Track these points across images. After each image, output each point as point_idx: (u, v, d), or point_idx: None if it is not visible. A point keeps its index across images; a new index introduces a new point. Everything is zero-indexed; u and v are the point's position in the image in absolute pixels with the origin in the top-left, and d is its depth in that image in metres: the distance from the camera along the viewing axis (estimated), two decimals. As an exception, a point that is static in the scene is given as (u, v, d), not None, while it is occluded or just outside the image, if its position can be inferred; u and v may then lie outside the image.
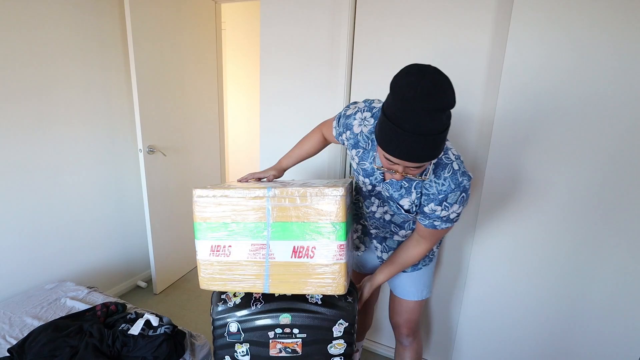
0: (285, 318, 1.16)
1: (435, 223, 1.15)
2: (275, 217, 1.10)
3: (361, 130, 1.19)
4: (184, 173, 2.81)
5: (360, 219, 1.46)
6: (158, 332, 1.50)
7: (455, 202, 1.09)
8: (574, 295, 1.59)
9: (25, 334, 1.52)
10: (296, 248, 1.11)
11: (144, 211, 2.57)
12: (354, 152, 1.24)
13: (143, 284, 2.76)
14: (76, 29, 2.13)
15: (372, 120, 1.17)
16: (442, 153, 1.07)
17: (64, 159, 2.17)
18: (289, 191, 1.08)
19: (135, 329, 1.49)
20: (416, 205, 1.16)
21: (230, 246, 1.13)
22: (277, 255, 1.12)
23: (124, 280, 2.69)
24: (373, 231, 1.43)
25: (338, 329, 1.18)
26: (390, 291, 1.55)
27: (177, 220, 2.78)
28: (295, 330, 1.17)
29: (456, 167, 1.08)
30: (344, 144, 1.30)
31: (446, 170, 1.07)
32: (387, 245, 1.43)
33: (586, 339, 1.61)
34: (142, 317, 1.57)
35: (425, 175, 1.05)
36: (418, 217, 1.19)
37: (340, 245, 1.09)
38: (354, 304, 1.20)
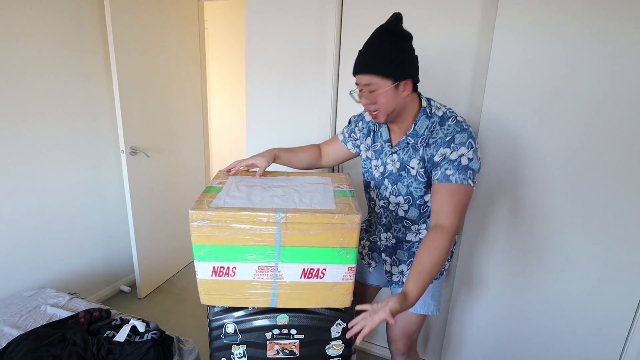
0: (282, 319, 1.13)
1: (448, 172, 1.11)
2: (285, 242, 1.04)
3: (370, 119, 1.35)
4: (168, 174, 2.74)
5: (370, 224, 1.43)
6: (145, 338, 1.44)
7: (463, 144, 1.10)
8: (562, 295, 1.61)
9: (4, 344, 1.44)
10: (306, 270, 1.07)
11: (127, 213, 2.49)
12: (368, 140, 1.36)
13: (127, 289, 2.68)
14: (55, 27, 2.04)
15: None
16: (446, 111, 1.18)
17: (41, 160, 2.07)
18: (300, 217, 1.01)
19: (121, 336, 1.43)
20: (425, 161, 1.18)
21: (235, 268, 1.07)
22: (286, 276, 1.08)
23: (106, 285, 2.60)
24: (383, 238, 1.39)
25: (336, 330, 1.16)
26: None
27: (161, 222, 2.71)
28: (293, 331, 1.14)
29: (460, 119, 1.15)
30: (350, 145, 1.44)
31: (450, 119, 1.15)
32: (397, 258, 1.38)
33: (575, 339, 1.63)
34: (127, 323, 1.51)
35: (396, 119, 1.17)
36: (432, 176, 1.17)
37: (351, 267, 1.08)
38: (352, 306, 1.17)
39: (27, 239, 2.06)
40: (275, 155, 1.41)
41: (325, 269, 1.07)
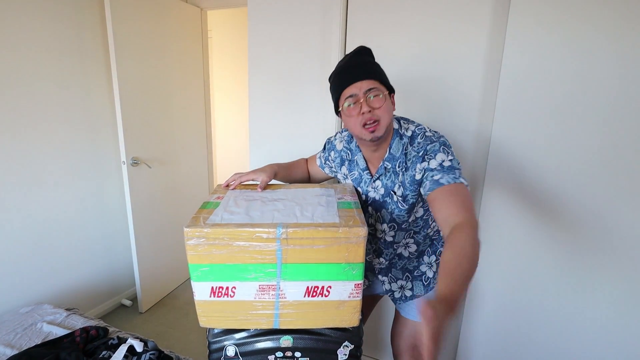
0: (286, 340, 1.06)
1: (435, 177, 1.04)
2: (286, 259, 0.97)
3: (342, 147, 1.32)
4: (170, 185, 2.69)
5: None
6: (142, 358, 1.38)
7: (438, 152, 1.07)
8: (573, 307, 1.53)
9: (-4, 365, 1.38)
10: (310, 288, 1.00)
11: (128, 226, 2.44)
12: (343, 169, 1.33)
13: (128, 303, 2.62)
14: (56, 37, 2.02)
15: (345, 136, 1.32)
16: (415, 129, 1.15)
17: (41, 171, 2.03)
18: (302, 232, 0.95)
19: (118, 357, 1.36)
20: (406, 187, 1.14)
21: (234, 288, 1.00)
22: (289, 295, 1.01)
23: (107, 299, 2.54)
24: (375, 262, 1.33)
25: (343, 352, 1.08)
26: (396, 311, 1.43)
27: (163, 234, 2.65)
28: (297, 354, 1.07)
29: (429, 134, 1.13)
30: (327, 170, 1.41)
31: (419, 137, 1.13)
32: (393, 276, 1.32)
33: (587, 350, 1.54)
34: (125, 342, 1.44)
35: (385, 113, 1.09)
36: (422, 191, 1.10)
37: (357, 284, 1.00)
38: (360, 325, 1.10)
39: (26, 251, 2.01)
40: (275, 171, 1.35)
41: (330, 287, 1.00)
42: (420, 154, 1.10)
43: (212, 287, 1.00)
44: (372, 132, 1.08)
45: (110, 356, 1.38)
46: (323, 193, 1.22)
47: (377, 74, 1.10)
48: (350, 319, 1.05)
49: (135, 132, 2.32)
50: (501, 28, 1.46)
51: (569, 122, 1.40)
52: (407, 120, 1.20)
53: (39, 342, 1.54)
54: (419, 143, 1.12)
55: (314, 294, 1.01)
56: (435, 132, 1.14)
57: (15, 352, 1.47)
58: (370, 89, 1.07)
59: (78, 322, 1.71)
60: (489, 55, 1.51)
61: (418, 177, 1.10)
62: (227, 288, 1.00)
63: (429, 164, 1.07)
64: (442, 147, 1.08)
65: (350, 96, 1.09)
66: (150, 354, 1.39)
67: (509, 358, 1.72)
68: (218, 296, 1.00)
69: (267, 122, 2.03)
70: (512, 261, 1.62)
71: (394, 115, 1.19)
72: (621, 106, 1.32)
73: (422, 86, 1.65)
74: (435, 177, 1.04)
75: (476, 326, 1.76)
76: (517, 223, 1.57)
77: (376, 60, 1.17)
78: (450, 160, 1.07)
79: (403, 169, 1.14)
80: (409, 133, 1.15)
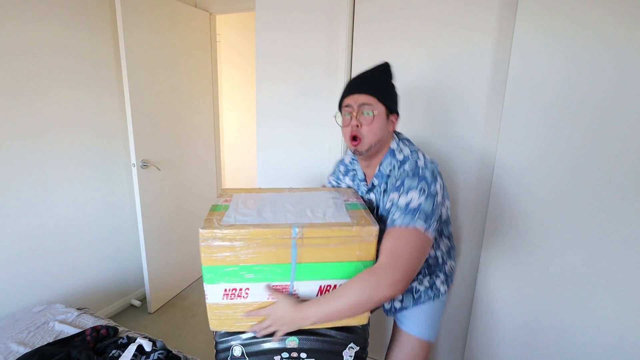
0: (292, 341, 1.07)
1: (394, 216, 1.02)
2: (301, 259, 0.99)
3: (349, 159, 1.38)
4: (179, 187, 2.73)
5: None
6: (151, 358, 1.40)
7: (413, 189, 1.02)
8: (582, 308, 1.52)
9: (9, 363, 1.42)
10: (323, 287, 1.02)
11: (137, 227, 2.47)
12: (347, 178, 1.38)
13: (137, 303, 2.65)
14: (67, 40, 2.06)
15: (349, 153, 1.37)
16: (408, 154, 1.13)
17: (53, 173, 2.08)
18: (318, 232, 0.96)
19: (127, 356, 1.39)
20: (382, 207, 1.14)
21: (248, 289, 1.01)
22: (302, 294, 1.03)
23: (117, 299, 2.58)
24: None
25: (348, 354, 1.09)
26: (393, 324, 1.38)
27: (172, 235, 2.68)
28: (303, 355, 1.08)
29: (420, 164, 1.08)
30: (333, 184, 1.45)
31: (407, 164, 1.11)
32: None
33: (596, 350, 1.53)
34: (134, 341, 1.47)
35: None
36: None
37: None
38: (365, 326, 1.11)
39: (38, 252, 2.05)
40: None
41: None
42: (397, 184, 1.08)
43: (226, 289, 1.00)
44: (355, 146, 1.13)
45: (119, 355, 1.40)
46: (329, 196, 1.24)
47: (376, 91, 1.10)
48: (359, 317, 1.07)
49: (145, 135, 2.36)
50: (508, 35, 1.46)
51: (577, 128, 1.39)
52: (407, 142, 1.18)
53: (50, 341, 1.57)
54: (403, 171, 1.09)
55: (327, 292, 1.02)
56: (427, 161, 1.09)
57: (28, 349, 1.50)
58: (364, 104, 1.09)
59: (89, 322, 1.74)
60: (495, 62, 1.51)
61: (387, 205, 1.10)
62: (241, 289, 1.01)
63: (398, 199, 1.05)
64: (421, 184, 1.03)
65: (347, 106, 1.13)
66: (158, 354, 1.41)
67: (517, 358, 1.71)
68: (231, 298, 1.01)
69: (273, 128, 2.05)
70: (518, 263, 1.61)
71: (398, 134, 1.20)
72: (634, 115, 1.30)
73: (428, 92, 1.66)
74: (395, 216, 1.03)
75: (483, 326, 1.76)
76: (524, 226, 1.56)
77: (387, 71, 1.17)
78: (420, 202, 1.01)
79: (384, 190, 1.15)
80: (401, 157, 1.13)
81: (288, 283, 1.01)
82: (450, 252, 1.32)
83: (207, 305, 1.03)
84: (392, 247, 0.99)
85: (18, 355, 1.46)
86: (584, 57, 1.34)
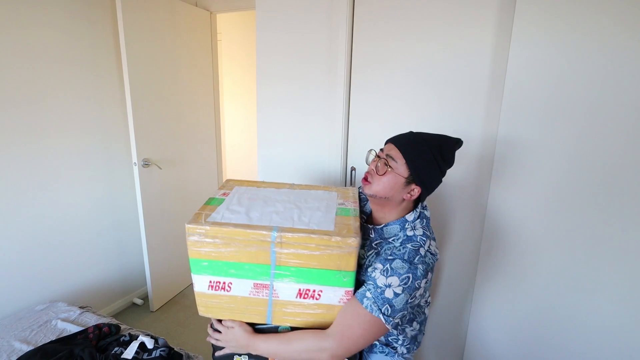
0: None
1: (367, 294, 0.99)
2: (280, 262, 1.00)
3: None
4: (181, 186, 2.74)
5: None
6: (153, 355, 1.41)
7: (397, 275, 0.98)
8: (582, 309, 1.52)
9: (13, 360, 1.43)
10: (302, 290, 1.02)
11: (139, 226, 2.49)
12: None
13: (139, 301, 2.67)
14: (69, 41, 2.08)
15: None
16: (418, 236, 1.08)
17: (55, 173, 2.09)
18: (296, 237, 0.97)
19: (129, 353, 1.40)
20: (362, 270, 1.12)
21: (230, 283, 1.04)
22: (282, 295, 1.04)
23: (119, 297, 2.60)
24: None
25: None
26: None
27: (174, 234, 2.70)
28: None
29: (421, 253, 1.04)
30: None
31: (411, 244, 1.06)
32: None
33: (596, 352, 1.53)
34: (136, 339, 1.48)
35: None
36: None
37: (348, 291, 1.02)
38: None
39: (40, 251, 2.07)
40: None
41: (321, 291, 1.02)
42: (389, 257, 1.04)
43: (210, 281, 1.04)
44: (363, 184, 1.14)
45: (122, 352, 1.42)
46: (325, 197, 1.23)
47: (409, 153, 1.07)
48: None
49: (146, 134, 2.37)
50: (506, 33, 1.46)
51: (575, 121, 1.39)
52: (424, 224, 1.13)
53: (53, 339, 1.59)
54: (403, 248, 1.05)
55: (306, 296, 1.03)
56: (428, 252, 1.06)
57: (31, 347, 1.52)
58: (390, 157, 1.09)
59: (91, 320, 1.76)
60: (494, 59, 1.51)
61: (369, 271, 1.06)
62: (224, 283, 1.04)
63: (379, 275, 1.01)
64: (408, 274, 0.99)
65: (381, 150, 1.16)
66: (160, 351, 1.42)
67: (517, 359, 1.72)
68: (215, 289, 1.05)
69: (274, 126, 2.05)
70: (518, 261, 1.61)
71: (425, 208, 1.17)
72: (629, 108, 1.31)
73: (428, 89, 1.66)
74: (367, 294, 0.99)
75: (483, 326, 1.77)
76: (524, 223, 1.57)
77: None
78: (396, 293, 0.98)
79: (376, 253, 1.11)
80: (410, 233, 1.09)
81: (268, 282, 1.02)
82: (422, 324, 1.25)
83: (195, 293, 1.08)
84: (348, 325, 1.00)
85: (21, 353, 1.47)
86: (582, 55, 1.34)
